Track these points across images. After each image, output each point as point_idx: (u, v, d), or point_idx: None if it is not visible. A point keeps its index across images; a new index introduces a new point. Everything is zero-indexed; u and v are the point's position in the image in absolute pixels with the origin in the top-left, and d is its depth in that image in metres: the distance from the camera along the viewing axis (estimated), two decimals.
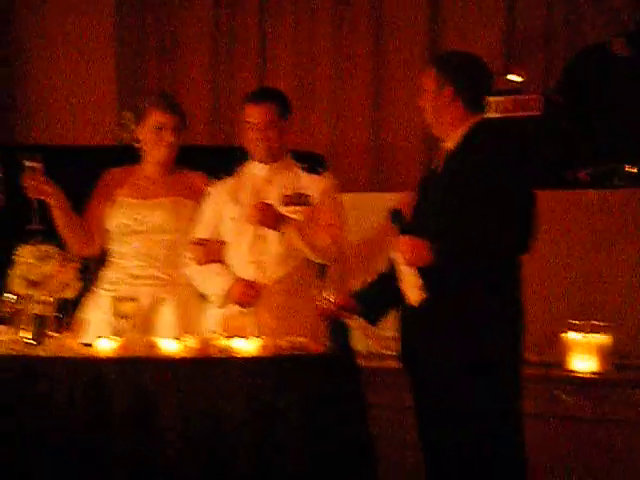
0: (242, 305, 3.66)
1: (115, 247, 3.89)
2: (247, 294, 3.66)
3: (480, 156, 3.21)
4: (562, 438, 4.12)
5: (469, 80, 3.33)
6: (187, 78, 6.71)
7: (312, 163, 3.88)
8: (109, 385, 3.18)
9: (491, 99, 4.86)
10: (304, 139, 6.44)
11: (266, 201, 3.69)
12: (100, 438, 3.15)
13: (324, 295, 3.42)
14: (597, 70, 5.10)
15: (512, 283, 3.26)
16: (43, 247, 3.45)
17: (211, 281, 3.75)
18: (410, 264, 3.22)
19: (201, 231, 3.81)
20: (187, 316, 3.79)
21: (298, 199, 3.73)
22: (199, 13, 6.68)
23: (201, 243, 3.77)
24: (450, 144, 3.32)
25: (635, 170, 4.72)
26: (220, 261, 3.77)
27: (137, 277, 3.79)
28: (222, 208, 3.80)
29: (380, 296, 3.46)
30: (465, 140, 3.29)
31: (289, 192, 3.72)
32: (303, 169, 3.79)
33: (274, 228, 3.66)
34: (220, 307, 3.73)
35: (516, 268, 3.26)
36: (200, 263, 3.76)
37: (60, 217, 3.79)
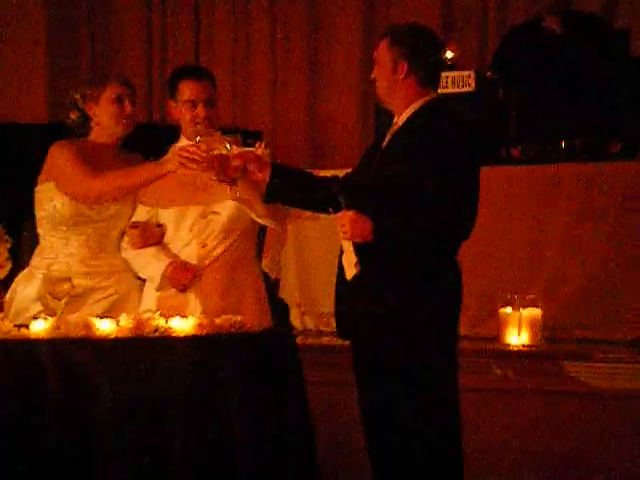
0: (177, 288, 3.65)
1: (61, 234, 3.74)
2: (182, 276, 3.65)
3: (430, 134, 3.19)
4: (496, 411, 4.18)
5: (424, 56, 3.28)
6: (120, 54, 6.63)
7: (249, 139, 3.85)
8: (43, 367, 3.14)
9: None
10: (243, 116, 6.45)
11: (204, 181, 3.67)
12: (35, 422, 3.12)
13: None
14: (530, 47, 5.14)
15: (450, 264, 3.27)
16: None
17: (148, 264, 3.71)
18: (350, 239, 3.23)
19: (138, 215, 3.77)
20: (125, 301, 3.74)
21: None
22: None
23: (136, 226, 3.73)
24: (400, 120, 3.29)
25: (566, 146, 4.78)
26: (157, 244, 3.75)
27: (85, 265, 3.73)
28: (159, 191, 3.73)
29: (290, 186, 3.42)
30: (415, 117, 3.26)
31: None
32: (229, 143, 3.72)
33: (231, 180, 3.50)
34: (157, 290, 3.71)
35: (455, 250, 3.28)
36: (136, 247, 3.72)
37: (154, 180, 3.65)
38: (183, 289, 3.65)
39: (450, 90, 4.86)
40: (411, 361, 3.19)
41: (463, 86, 4.84)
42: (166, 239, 3.74)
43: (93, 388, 3.12)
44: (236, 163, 3.36)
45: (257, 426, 3.17)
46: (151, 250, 3.72)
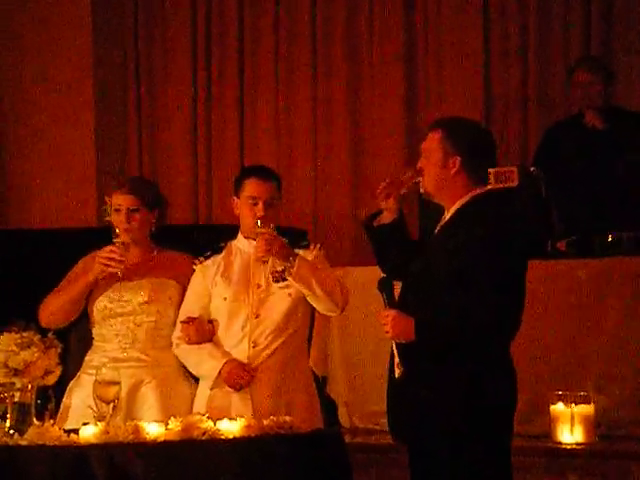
0: (234, 387, 3.66)
1: (98, 330, 3.87)
2: (239, 376, 3.66)
3: (478, 230, 3.14)
4: None
5: (477, 153, 3.24)
6: (166, 147, 6.73)
7: (296, 238, 3.89)
8: (93, 472, 3.14)
9: None
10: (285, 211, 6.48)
11: (255, 277, 3.72)
12: None
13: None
14: (572, 141, 5.17)
15: (500, 362, 3.20)
16: (24, 334, 3.44)
17: (203, 362, 3.75)
18: (392, 338, 3.20)
19: (189, 310, 3.81)
20: (170, 398, 3.76)
21: (284, 274, 3.70)
22: (180, 93, 6.73)
23: (189, 321, 3.76)
24: (448, 214, 3.26)
25: (613, 239, 4.76)
26: (210, 340, 3.77)
27: (119, 360, 3.77)
28: (212, 287, 3.81)
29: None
30: (463, 211, 3.22)
31: (279, 267, 3.70)
32: (290, 244, 3.75)
33: (285, 258, 3.65)
34: (211, 389, 3.72)
35: (505, 347, 3.21)
36: (189, 342, 3.76)
37: (86, 290, 3.80)
38: (239, 388, 3.65)
39: (493, 186, 4.86)
40: (464, 463, 3.14)
41: (506, 181, 4.85)
42: (217, 336, 3.78)
43: None
44: None
45: None
46: (206, 347, 3.76)
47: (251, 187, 3.76)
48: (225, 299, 3.78)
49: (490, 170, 4.81)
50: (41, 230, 5.71)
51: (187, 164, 6.66)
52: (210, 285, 3.81)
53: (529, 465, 4.09)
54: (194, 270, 3.86)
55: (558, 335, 4.57)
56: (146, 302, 3.79)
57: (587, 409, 4.26)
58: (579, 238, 4.85)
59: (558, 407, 4.31)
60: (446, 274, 3.15)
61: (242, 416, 3.34)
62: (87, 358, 3.88)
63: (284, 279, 3.69)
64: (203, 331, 3.77)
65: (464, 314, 3.10)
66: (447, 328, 3.13)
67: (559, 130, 5.31)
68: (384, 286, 3.26)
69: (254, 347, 3.72)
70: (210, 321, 3.80)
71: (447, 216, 3.27)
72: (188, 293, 3.83)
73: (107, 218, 3.85)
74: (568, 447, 4.21)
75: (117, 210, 3.82)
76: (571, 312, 4.58)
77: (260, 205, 3.73)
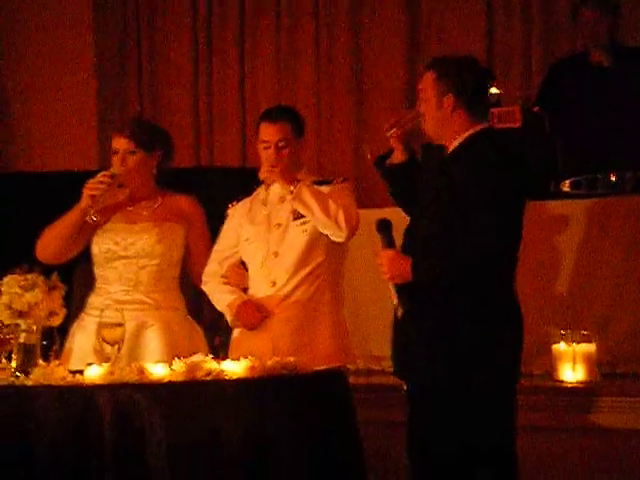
0: (246, 327, 3.68)
1: (101, 272, 3.88)
2: (251, 315, 3.68)
3: (475, 165, 3.13)
4: (552, 448, 4.12)
5: (471, 88, 3.22)
6: (167, 99, 6.71)
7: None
8: (99, 412, 3.17)
9: None
10: None
11: (276, 219, 3.73)
12: (92, 466, 3.14)
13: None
14: (577, 80, 5.12)
15: (502, 298, 3.20)
16: (28, 276, 3.45)
17: (223, 300, 3.79)
18: (389, 279, 3.20)
19: (220, 250, 3.84)
20: (174, 340, 3.78)
21: (297, 213, 3.70)
22: (179, 32, 6.68)
23: (238, 269, 3.80)
24: (448, 151, 3.25)
25: (616, 179, 4.74)
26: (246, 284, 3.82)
27: (123, 302, 3.79)
28: (239, 229, 3.83)
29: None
30: (461, 148, 3.21)
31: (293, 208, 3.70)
32: (314, 182, 3.73)
33: (288, 181, 3.63)
34: (232, 327, 3.78)
35: (507, 279, 3.21)
36: (232, 284, 3.79)
37: (77, 222, 3.79)
38: (251, 328, 3.67)
39: (496, 126, 4.84)
40: (465, 400, 3.16)
41: (509, 121, 4.82)
42: None
43: (148, 432, 3.15)
44: None
45: (310, 466, 3.16)
46: (230, 287, 3.79)
47: (262, 131, 3.74)
48: (247, 240, 3.80)
49: (492, 110, 4.83)
50: (43, 173, 5.70)
51: (188, 105, 6.63)
52: (237, 227, 3.83)
53: (532, 404, 4.11)
54: (199, 211, 3.86)
55: (560, 275, 4.58)
56: (150, 245, 3.80)
57: (589, 348, 4.28)
58: (583, 178, 4.83)
59: (560, 346, 4.33)
60: (437, 212, 3.16)
61: (259, 355, 3.37)
62: (89, 300, 3.89)
63: (302, 215, 3.69)
64: (240, 275, 3.79)
65: (455, 254, 3.10)
66: (440, 268, 3.13)
67: (564, 68, 5.25)
68: (382, 227, 3.25)
69: (273, 286, 3.73)
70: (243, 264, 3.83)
71: (446, 153, 3.26)
72: (220, 235, 3.86)
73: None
74: (569, 385, 4.23)
75: (114, 153, 3.81)
76: (573, 252, 4.58)
77: (271, 149, 3.69)
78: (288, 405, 3.18)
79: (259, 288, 3.77)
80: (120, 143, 3.80)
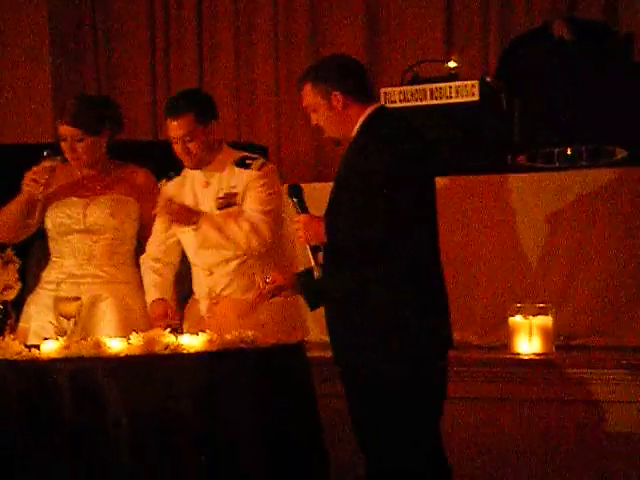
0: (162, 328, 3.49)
1: (55, 246, 3.85)
2: (166, 317, 3.64)
3: (358, 147, 3.20)
4: (507, 420, 4.16)
5: (349, 77, 3.26)
6: (125, 72, 6.66)
7: (252, 154, 3.84)
8: (57, 387, 3.15)
9: (430, 86, 4.91)
10: (249, 132, 6.46)
11: (203, 205, 3.70)
12: (48, 442, 3.13)
13: (260, 276, 3.42)
14: (537, 53, 5.13)
15: (403, 275, 3.16)
16: None
17: (147, 292, 3.77)
18: (307, 242, 3.21)
19: (160, 233, 3.81)
20: (128, 314, 3.76)
21: (229, 200, 3.69)
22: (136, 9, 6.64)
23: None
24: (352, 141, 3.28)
25: (572, 152, 4.78)
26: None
27: (77, 276, 3.76)
28: None
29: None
30: (361, 129, 3.24)
31: (221, 194, 3.69)
32: (236, 164, 3.73)
33: (188, 224, 3.65)
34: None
35: (408, 258, 3.16)
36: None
37: (23, 208, 3.76)
38: (166, 329, 3.47)
39: (454, 100, 4.86)
40: (368, 377, 3.18)
41: (467, 95, 4.84)
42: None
43: (106, 405, 3.14)
44: None
45: (268, 443, 3.17)
46: (155, 278, 3.76)
47: (167, 126, 3.69)
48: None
49: (451, 84, 4.85)
50: None
51: (146, 83, 6.60)
52: None
53: (490, 376, 4.15)
54: (153, 184, 3.83)
55: (517, 248, 4.61)
56: (103, 219, 3.76)
57: (545, 320, 4.32)
58: (540, 151, 4.86)
59: (516, 319, 4.36)
60: (340, 185, 3.23)
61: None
62: (44, 274, 3.86)
63: (229, 204, 3.68)
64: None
65: (350, 234, 3.16)
66: (345, 237, 3.18)
67: (524, 41, 5.26)
68: (294, 192, 3.28)
69: (210, 275, 3.73)
70: None
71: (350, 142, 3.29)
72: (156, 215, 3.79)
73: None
74: (526, 357, 4.27)
75: (63, 140, 3.76)
76: (530, 225, 4.61)
77: (179, 144, 3.65)
78: (242, 378, 3.18)
79: (198, 275, 3.77)
80: (66, 131, 3.75)
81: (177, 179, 3.80)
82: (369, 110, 3.26)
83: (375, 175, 3.11)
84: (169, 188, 3.79)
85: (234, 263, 3.71)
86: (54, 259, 3.86)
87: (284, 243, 3.84)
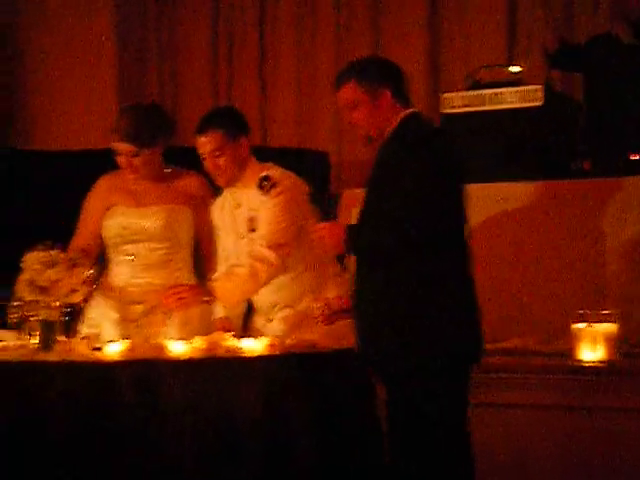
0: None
1: (111, 254, 3.88)
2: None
3: (392, 148, 3.18)
4: (571, 429, 4.12)
5: (397, 78, 3.29)
6: (187, 81, 6.72)
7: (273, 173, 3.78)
8: (119, 389, 3.19)
9: (493, 91, 4.87)
10: (309, 136, 6.47)
11: (239, 227, 3.74)
12: (112, 442, 3.16)
13: (318, 303, 3.43)
14: (602, 59, 5.06)
15: (432, 277, 3.14)
16: (50, 252, 3.47)
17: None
18: (326, 251, 3.22)
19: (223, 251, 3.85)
20: (187, 319, 3.77)
21: (253, 224, 3.71)
22: (198, 16, 6.70)
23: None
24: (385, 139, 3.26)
25: (637, 158, 4.71)
26: None
27: (136, 284, 3.80)
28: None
29: None
30: (396, 131, 3.23)
31: (249, 216, 3.72)
32: (259, 187, 3.71)
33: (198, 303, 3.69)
34: None
35: (441, 261, 3.14)
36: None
37: None
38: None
39: (518, 105, 4.83)
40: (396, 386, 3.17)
41: (531, 101, 4.80)
42: None
43: (168, 408, 3.17)
44: None
45: (329, 447, 3.18)
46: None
47: (196, 144, 3.72)
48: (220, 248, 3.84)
49: (515, 89, 4.82)
50: (63, 151, 5.70)
51: (207, 93, 6.66)
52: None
53: (552, 383, 4.11)
54: (207, 190, 3.86)
55: (581, 254, 4.56)
56: (159, 228, 3.80)
57: (609, 328, 4.26)
58: (603, 157, 4.80)
59: (580, 326, 4.31)
60: (372, 189, 3.20)
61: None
62: (102, 280, 3.88)
63: (254, 229, 3.70)
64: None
65: (375, 240, 3.14)
66: (368, 242, 3.16)
67: (591, 46, 5.19)
68: (316, 197, 3.33)
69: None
70: None
71: (383, 141, 3.26)
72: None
73: None
74: (589, 365, 4.21)
75: (118, 155, 3.79)
76: (593, 232, 4.55)
77: (208, 161, 3.70)
78: (303, 382, 3.19)
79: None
80: (122, 147, 3.77)
81: (218, 200, 3.84)
82: (407, 112, 3.26)
83: (406, 178, 3.08)
84: (213, 210, 3.83)
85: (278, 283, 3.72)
86: (112, 267, 3.89)
87: None
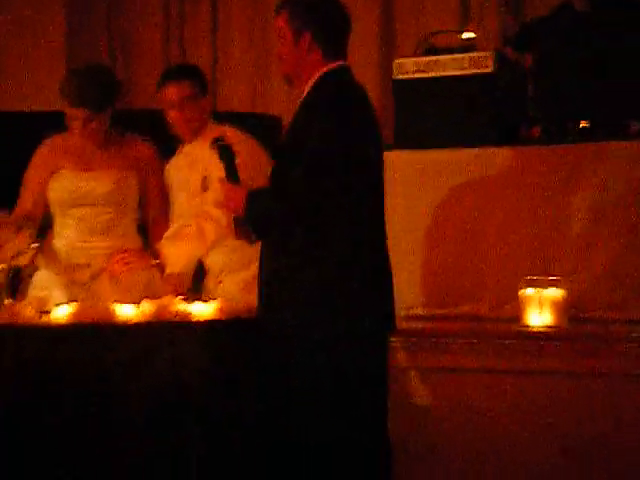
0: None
1: (57, 218, 3.86)
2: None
3: (304, 108, 3.03)
4: (519, 394, 4.16)
5: (328, 24, 3.10)
6: (138, 38, 6.64)
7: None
8: (65, 352, 3.17)
9: (445, 57, 4.87)
10: (262, 100, 6.43)
11: (191, 186, 3.73)
12: (59, 406, 3.15)
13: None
14: (555, 28, 5.07)
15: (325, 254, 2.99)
16: None
17: None
18: (224, 208, 3.13)
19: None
20: (130, 284, 3.76)
21: (205, 184, 3.72)
22: None
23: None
24: (303, 95, 3.12)
25: (587, 125, 4.73)
26: None
27: (82, 248, 3.77)
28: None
29: None
30: (313, 90, 3.08)
31: (202, 176, 3.73)
32: (211, 147, 3.61)
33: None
34: None
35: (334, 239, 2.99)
36: None
37: None
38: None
39: (469, 71, 4.83)
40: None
41: (482, 67, 4.80)
42: None
43: (114, 373, 3.15)
44: None
45: (273, 409, 3.17)
46: None
47: (166, 91, 3.76)
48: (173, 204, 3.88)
49: (466, 55, 4.82)
50: (10, 112, 5.62)
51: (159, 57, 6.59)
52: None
53: (500, 348, 4.15)
54: (154, 155, 3.86)
55: (531, 220, 4.59)
56: (105, 193, 3.77)
57: (557, 293, 4.31)
58: (554, 124, 4.82)
59: (527, 292, 4.35)
60: (280, 154, 3.10)
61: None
62: (45, 243, 3.85)
63: (205, 189, 3.71)
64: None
65: (266, 209, 3.01)
66: (266, 209, 3.02)
67: (545, 17, 5.20)
68: (223, 154, 3.17)
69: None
70: None
71: (302, 97, 3.13)
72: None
73: None
74: (537, 330, 4.26)
75: (72, 119, 3.75)
76: (543, 199, 4.58)
77: (175, 111, 3.74)
78: (253, 346, 3.19)
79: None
80: (75, 112, 3.73)
81: (172, 159, 3.83)
82: (331, 66, 3.09)
83: (317, 148, 2.92)
84: (168, 169, 3.82)
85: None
86: (58, 230, 3.86)
87: None
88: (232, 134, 3.68)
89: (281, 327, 3.04)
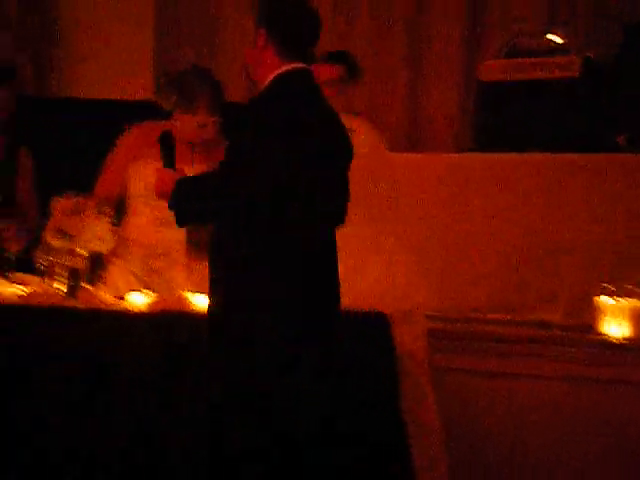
0: None
1: (132, 206, 3.78)
2: None
3: (250, 112, 2.91)
4: (592, 402, 4.11)
5: (284, 23, 2.94)
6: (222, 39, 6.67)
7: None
8: (141, 338, 3.23)
9: (528, 60, 4.83)
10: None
11: None
12: (130, 392, 3.21)
13: None
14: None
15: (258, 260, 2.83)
16: (77, 199, 3.48)
17: None
18: (155, 195, 3.01)
19: None
20: None
21: None
22: None
23: None
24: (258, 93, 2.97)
25: None
26: None
27: (154, 238, 3.77)
28: None
29: None
30: (270, 87, 2.91)
31: None
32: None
33: None
34: None
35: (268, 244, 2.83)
36: None
37: None
38: None
39: (555, 75, 4.78)
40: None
41: (568, 71, 4.75)
42: None
43: (188, 360, 3.20)
44: None
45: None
46: None
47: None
48: None
49: (553, 59, 4.76)
50: (92, 100, 5.71)
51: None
52: None
53: (572, 357, 4.10)
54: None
55: (608, 227, 4.52)
56: None
57: (634, 303, 4.23)
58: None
59: (602, 299, 4.27)
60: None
61: None
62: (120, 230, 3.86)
63: None
64: None
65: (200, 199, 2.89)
66: (189, 198, 2.91)
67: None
68: (162, 142, 3.08)
69: None
70: None
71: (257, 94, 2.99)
72: None
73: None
74: (613, 340, 4.20)
75: (200, 125, 3.70)
76: (619, 208, 4.51)
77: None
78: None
79: None
80: (207, 120, 3.70)
81: None
82: (286, 67, 2.92)
83: (261, 158, 2.78)
84: None
85: None
86: (132, 218, 3.76)
87: None
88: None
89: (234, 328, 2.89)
